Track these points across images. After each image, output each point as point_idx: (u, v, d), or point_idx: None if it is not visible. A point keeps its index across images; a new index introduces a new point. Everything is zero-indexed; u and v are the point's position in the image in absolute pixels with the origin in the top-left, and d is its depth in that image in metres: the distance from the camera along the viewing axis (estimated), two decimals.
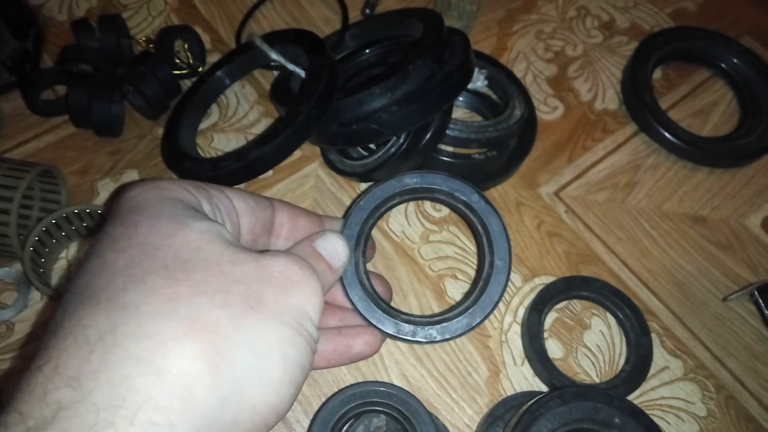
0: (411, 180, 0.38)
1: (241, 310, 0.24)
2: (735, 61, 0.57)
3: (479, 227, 0.38)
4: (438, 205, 0.51)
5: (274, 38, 0.50)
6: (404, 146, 0.46)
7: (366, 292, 0.36)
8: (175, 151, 0.47)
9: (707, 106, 0.57)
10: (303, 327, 0.26)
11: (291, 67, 0.47)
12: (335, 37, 0.55)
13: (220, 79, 0.51)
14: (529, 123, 0.53)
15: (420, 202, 0.51)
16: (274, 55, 0.48)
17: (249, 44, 0.51)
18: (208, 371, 0.22)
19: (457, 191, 0.38)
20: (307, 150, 0.52)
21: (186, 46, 0.53)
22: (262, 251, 0.28)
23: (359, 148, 0.49)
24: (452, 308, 0.38)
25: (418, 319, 0.37)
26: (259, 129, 0.53)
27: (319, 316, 0.27)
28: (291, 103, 0.44)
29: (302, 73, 0.46)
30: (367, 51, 0.52)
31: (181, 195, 0.27)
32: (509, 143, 0.51)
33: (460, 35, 0.48)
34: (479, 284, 0.38)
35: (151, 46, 0.53)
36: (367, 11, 0.58)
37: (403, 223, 0.50)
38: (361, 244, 0.37)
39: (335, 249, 0.32)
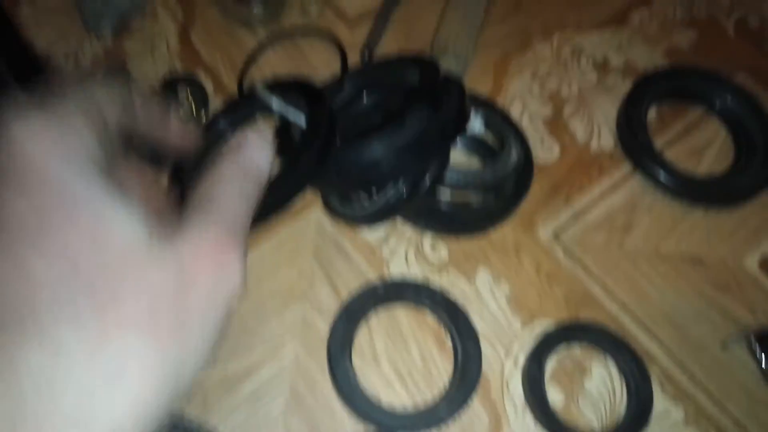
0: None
1: (172, 327, 0.22)
2: (728, 99, 0.58)
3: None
4: (437, 248, 0.51)
5: (276, 86, 0.51)
6: (403, 191, 0.46)
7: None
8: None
9: (702, 145, 0.58)
10: (235, 297, 0.24)
11: (292, 117, 0.48)
12: (335, 84, 0.56)
13: (222, 131, 0.52)
14: (526, 164, 0.53)
15: (419, 244, 0.51)
16: (275, 106, 0.49)
17: (250, 92, 0.52)
18: (138, 416, 0.20)
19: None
20: (308, 196, 0.53)
21: (189, 93, 0.54)
22: (181, 228, 0.23)
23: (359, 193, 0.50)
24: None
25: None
26: None
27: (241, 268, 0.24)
28: (291, 153, 0.45)
29: (302, 122, 0.47)
30: (366, 98, 0.53)
31: (79, 143, 0.22)
32: (506, 185, 0.51)
33: (456, 83, 0.49)
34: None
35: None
36: (366, 54, 0.59)
37: (403, 266, 0.50)
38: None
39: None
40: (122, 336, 0.20)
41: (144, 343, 0.21)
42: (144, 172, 0.31)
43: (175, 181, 0.49)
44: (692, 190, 0.54)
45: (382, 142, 0.44)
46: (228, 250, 0.24)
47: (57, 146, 0.21)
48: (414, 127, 0.45)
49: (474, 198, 0.50)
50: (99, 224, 0.21)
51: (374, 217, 0.48)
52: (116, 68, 0.53)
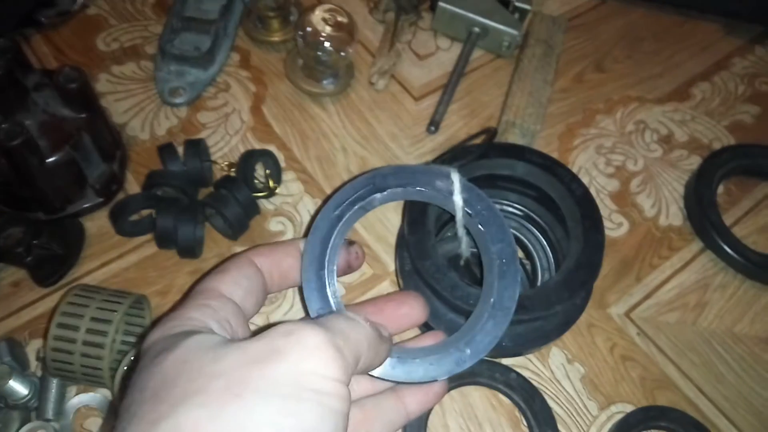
0: None
1: (223, 402, 0.23)
2: None
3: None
4: None
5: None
6: None
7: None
8: None
9: None
10: (306, 389, 0.24)
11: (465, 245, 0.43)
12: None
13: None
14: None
15: None
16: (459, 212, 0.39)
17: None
18: None
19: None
20: (378, 269, 0.53)
21: (266, 170, 0.55)
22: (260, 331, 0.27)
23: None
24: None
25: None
26: None
27: (335, 368, 0.26)
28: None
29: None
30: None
31: (183, 325, 0.28)
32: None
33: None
34: None
35: (232, 169, 0.55)
36: (432, 129, 0.61)
37: None
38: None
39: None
40: (172, 410, 0.23)
41: (195, 406, 0.24)
42: None
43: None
44: (763, 271, 0.53)
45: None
46: (290, 329, 0.26)
47: (161, 333, 0.28)
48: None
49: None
50: (167, 354, 0.26)
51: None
52: (194, 143, 0.54)
